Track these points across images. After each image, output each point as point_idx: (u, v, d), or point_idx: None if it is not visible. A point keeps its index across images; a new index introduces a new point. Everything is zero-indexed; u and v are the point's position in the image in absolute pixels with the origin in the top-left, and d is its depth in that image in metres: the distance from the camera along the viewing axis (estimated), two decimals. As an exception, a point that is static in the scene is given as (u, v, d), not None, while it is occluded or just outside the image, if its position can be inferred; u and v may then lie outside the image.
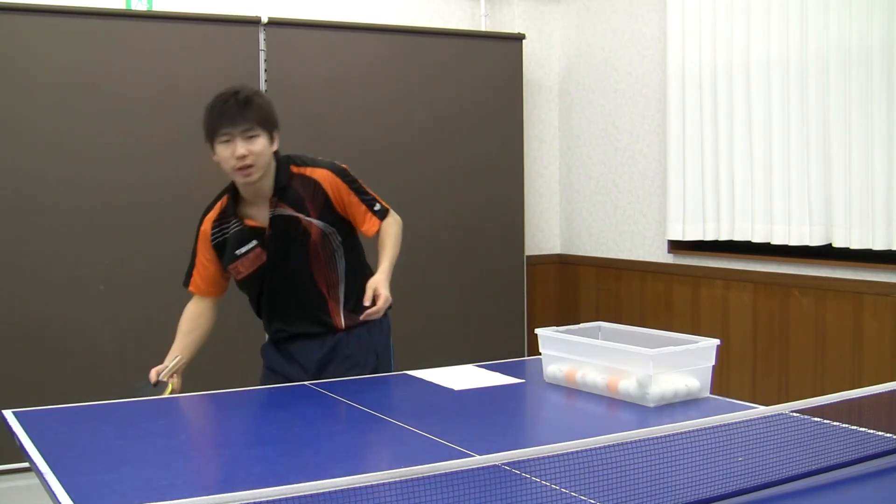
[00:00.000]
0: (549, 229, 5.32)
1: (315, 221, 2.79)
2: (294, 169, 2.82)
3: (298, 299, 2.84)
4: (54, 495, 1.71)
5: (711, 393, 2.44)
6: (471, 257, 4.82)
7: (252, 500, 1.35)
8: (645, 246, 4.80)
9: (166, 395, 2.69)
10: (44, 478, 1.80)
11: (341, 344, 2.85)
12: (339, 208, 2.82)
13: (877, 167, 3.65)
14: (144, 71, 4.09)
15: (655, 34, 4.68)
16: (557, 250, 5.34)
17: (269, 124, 2.76)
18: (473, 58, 4.83)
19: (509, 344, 4.91)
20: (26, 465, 1.97)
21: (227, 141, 2.70)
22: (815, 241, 3.90)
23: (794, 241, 3.96)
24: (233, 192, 2.85)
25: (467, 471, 1.60)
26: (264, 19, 4.31)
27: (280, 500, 1.37)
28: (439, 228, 4.71)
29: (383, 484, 1.46)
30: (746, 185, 4.16)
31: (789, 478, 1.74)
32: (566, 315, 5.20)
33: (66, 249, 3.97)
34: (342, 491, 1.44)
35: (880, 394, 1.99)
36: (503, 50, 4.92)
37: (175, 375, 2.79)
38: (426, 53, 4.70)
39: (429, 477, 1.50)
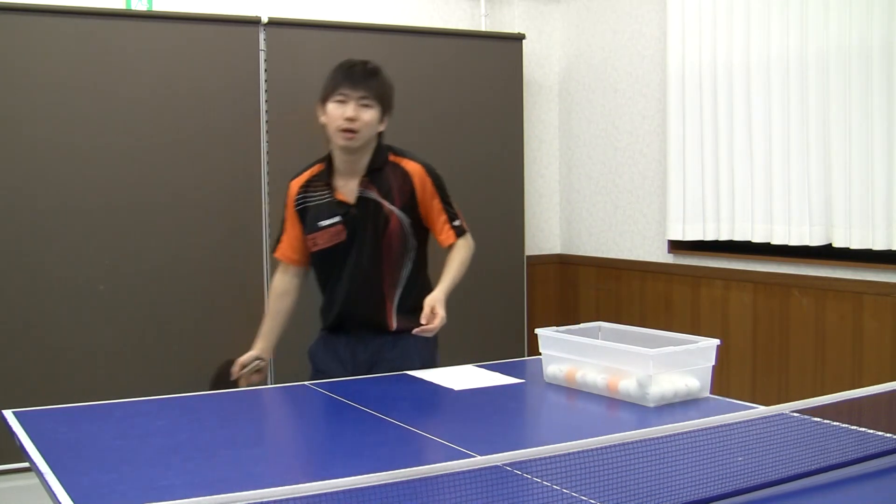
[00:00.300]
0: (549, 229, 5.32)
1: (397, 211, 2.82)
2: (391, 156, 2.87)
3: (361, 288, 2.85)
4: (54, 495, 1.71)
5: (711, 393, 2.44)
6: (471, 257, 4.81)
7: (252, 500, 1.35)
8: (645, 246, 4.80)
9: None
10: (44, 478, 1.80)
11: (386, 348, 2.86)
12: (420, 207, 2.85)
13: (877, 167, 3.65)
14: (144, 71, 4.09)
15: (655, 34, 4.68)
16: (557, 250, 5.34)
17: (384, 102, 2.83)
18: (473, 58, 4.82)
19: (509, 344, 4.91)
20: (26, 465, 1.97)
21: (342, 101, 2.76)
22: (815, 241, 3.90)
23: (794, 241, 3.96)
24: (328, 162, 2.88)
25: (467, 471, 1.60)
26: (264, 19, 4.31)
27: (280, 500, 1.37)
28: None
29: (383, 484, 1.46)
30: (746, 185, 4.16)
31: (789, 478, 1.74)
32: (566, 315, 5.20)
33: (66, 249, 3.97)
34: (342, 491, 1.44)
35: (880, 394, 1.99)
36: (503, 50, 4.91)
37: (255, 375, 2.88)
38: (426, 53, 4.70)
39: (429, 477, 1.50)
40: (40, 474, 1.83)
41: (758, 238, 4.13)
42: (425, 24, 4.92)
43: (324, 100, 2.81)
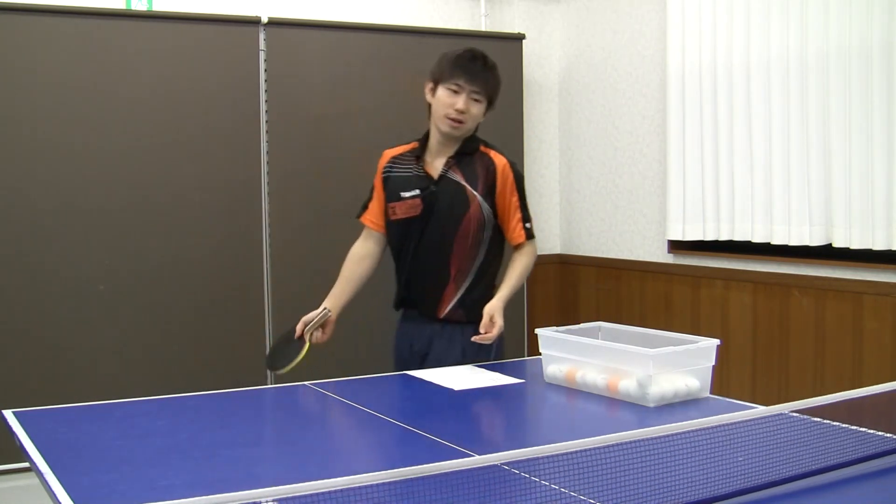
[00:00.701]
0: (549, 229, 5.32)
1: (479, 198, 2.89)
2: (482, 147, 2.95)
3: (427, 266, 2.93)
4: (54, 495, 1.71)
5: (711, 393, 2.44)
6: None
7: (252, 500, 1.35)
8: (645, 246, 4.80)
9: (300, 357, 2.82)
10: (44, 478, 1.80)
11: (434, 341, 2.94)
12: (498, 200, 2.91)
13: (877, 167, 3.65)
14: (144, 71, 4.09)
15: (655, 34, 4.68)
16: (557, 250, 5.34)
17: (492, 98, 2.93)
18: (473, 58, 4.82)
19: (509, 344, 4.90)
20: (26, 465, 1.97)
21: (456, 91, 2.87)
22: (815, 241, 3.90)
23: (794, 241, 3.96)
24: (424, 138, 3.00)
25: (467, 471, 1.60)
26: (264, 19, 4.31)
27: (280, 500, 1.37)
28: (439, 228, 4.71)
29: (383, 484, 1.46)
30: (746, 185, 4.16)
31: (789, 478, 1.74)
32: (566, 315, 5.20)
33: (66, 249, 3.97)
34: (342, 491, 1.44)
35: (880, 394, 1.99)
36: (503, 50, 4.90)
37: (320, 329, 2.94)
38: (426, 53, 4.68)
39: (429, 477, 1.50)
40: (40, 474, 1.83)
41: (758, 238, 4.13)
42: (425, 24, 4.92)
43: (436, 81, 2.93)
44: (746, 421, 1.97)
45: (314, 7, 4.68)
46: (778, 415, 2.01)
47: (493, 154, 2.95)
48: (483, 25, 5.10)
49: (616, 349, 2.45)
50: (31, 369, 3.91)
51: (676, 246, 4.58)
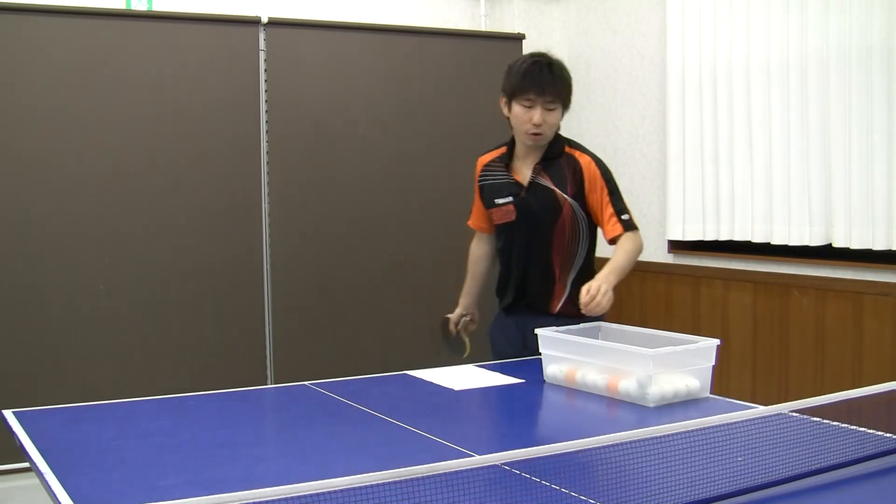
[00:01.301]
0: (549, 229, 5.32)
1: (570, 199, 2.92)
2: (566, 148, 2.98)
3: (532, 269, 3.00)
4: (54, 495, 1.70)
5: (711, 393, 2.44)
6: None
7: (252, 500, 1.35)
8: (645, 246, 4.78)
9: (467, 351, 3.13)
10: (44, 478, 1.80)
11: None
12: (589, 199, 2.94)
13: (877, 167, 3.65)
14: (144, 71, 4.09)
15: (655, 34, 4.68)
16: (557, 250, 5.34)
17: (567, 100, 2.95)
18: (473, 58, 4.82)
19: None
20: (26, 465, 1.97)
21: (529, 106, 2.89)
22: (815, 241, 3.90)
23: (794, 241, 3.96)
24: (511, 145, 3.05)
25: (467, 471, 1.60)
26: (264, 19, 4.31)
27: (280, 500, 1.37)
28: (439, 228, 4.71)
29: (383, 484, 1.46)
30: (746, 185, 4.16)
31: (789, 478, 1.74)
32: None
33: (66, 250, 3.97)
34: (342, 491, 1.44)
35: (880, 394, 1.99)
36: (503, 50, 4.90)
37: (469, 325, 3.22)
38: (426, 53, 4.70)
39: (429, 477, 1.50)
40: (40, 474, 1.83)
41: (758, 238, 4.13)
42: (425, 24, 4.92)
43: (509, 96, 2.95)
44: (746, 421, 1.96)
45: (314, 7, 4.68)
46: (778, 415, 2.01)
47: (577, 154, 2.97)
48: (483, 25, 5.10)
49: (616, 349, 2.45)
50: (31, 369, 3.91)
51: (676, 246, 4.58)
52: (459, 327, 3.24)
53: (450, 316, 3.26)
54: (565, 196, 2.93)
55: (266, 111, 4.31)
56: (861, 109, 3.68)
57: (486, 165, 3.13)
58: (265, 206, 4.31)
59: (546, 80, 2.88)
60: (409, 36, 4.68)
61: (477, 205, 3.20)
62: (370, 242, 4.53)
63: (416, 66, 4.67)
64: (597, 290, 2.67)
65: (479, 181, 3.15)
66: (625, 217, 2.93)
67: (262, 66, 4.31)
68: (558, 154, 2.97)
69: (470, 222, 3.28)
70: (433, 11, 5.01)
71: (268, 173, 4.32)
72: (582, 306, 2.69)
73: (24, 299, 3.92)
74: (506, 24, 5.17)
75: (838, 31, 3.74)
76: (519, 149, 3.02)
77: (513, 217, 3.00)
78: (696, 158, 4.39)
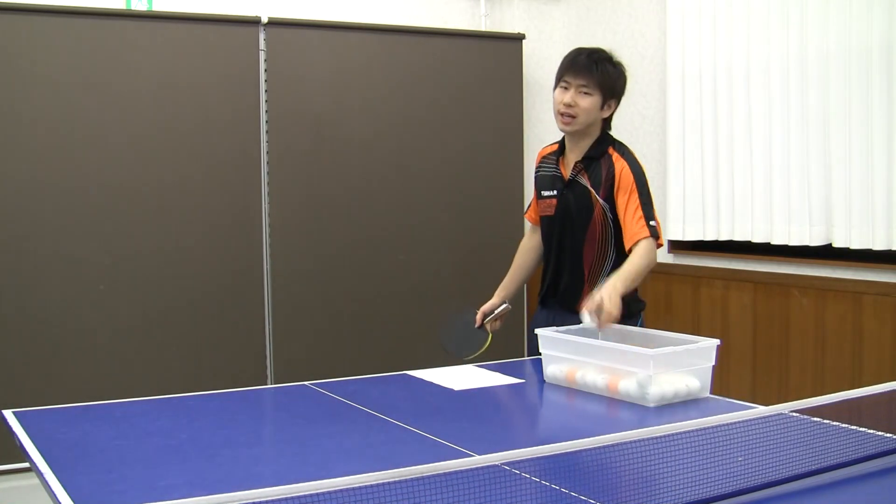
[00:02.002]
0: (549, 229, 5.32)
1: (601, 201, 2.90)
2: (610, 149, 2.95)
3: (564, 264, 3.00)
4: (54, 495, 1.70)
5: (711, 393, 2.44)
6: (471, 257, 4.81)
7: (252, 500, 1.35)
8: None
9: (484, 348, 2.99)
10: (44, 478, 1.80)
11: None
12: (617, 201, 2.89)
13: (877, 167, 3.65)
14: (144, 71, 4.09)
15: (655, 34, 4.68)
16: (557, 250, 5.33)
17: (607, 90, 2.91)
18: (473, 58, 4.82)
19: (509, 344, 4.91)
20: (26, 465, 1.97)
21: (565, 88, 2.90)
22: (815, 241, 3.90)
23: (794, 241, 3.96)
24: (563, 140, 3.05)
25: (467, 471, 1.60)
26: (264, 19, 4.31)
27: (280, 500, 1.37)
28: (439, 228, 4.71)
29: (383, 484, 1.46)
30: (746, 185, 4.16)
31: (789, 478, 1.74)
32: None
33: (67, 249, 3.97)
34: (342, 491, 1.44)
35: (880, 394, 1.99)
36: (503, 50, 4.91)
37: (498, 321, 3.09)
38: (426, 53, 4.70)
39: (429, 477, 1.50)
40: (40, 474, 1.83)
41: (758, 238, 4.13)
42: (425, 24, 4.92)
43: (554, 87, 2.96)
44: (746, 421, 1.97)
45: (314, 7, 4.68)
46: (778, 415, 2.01)
47: (615, 156, 2.93)
48: (483, 25, 5.10)
49: (616, 349, 2.45)
50: (31, 369, 3.91)
51: (676, 246, 4.58)
52: (488, 319, 3.10)
53: (480, 309, 3.14)
54: (598, 197, 2.91)
55: (266, 111, 4.32)
56: (861, 109, 3.68)
57: (544, 158, 3.13)
58: (265, 206, 4.32)
59: (581, 62, 2.88)
60: (409, 36, 4.68)
61: (534, 196, 3.18)
62: (370, 242, 4.54)
63: (416, 66, 4.67)
64: (600, 302, 2.55)
65: (536, 171, 3.15)
66: (651, 224, 2.86)
67: (262, 66, 4.31)
68: (600, 154, 2.93)
69: (526, 214, 3.31)
70: (433, 11, 5.01)
71: (268, 173, 4.32)
72: (591, 322, 2.58)
73: (25, 299, 3.92)
74: (506, 24, 5.17)
75: (838, 31, 3.74)
76: (568, 143, 3.02)
77: (553, 211, 3.01)
78: (696, 158, 4.39)
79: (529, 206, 3.27)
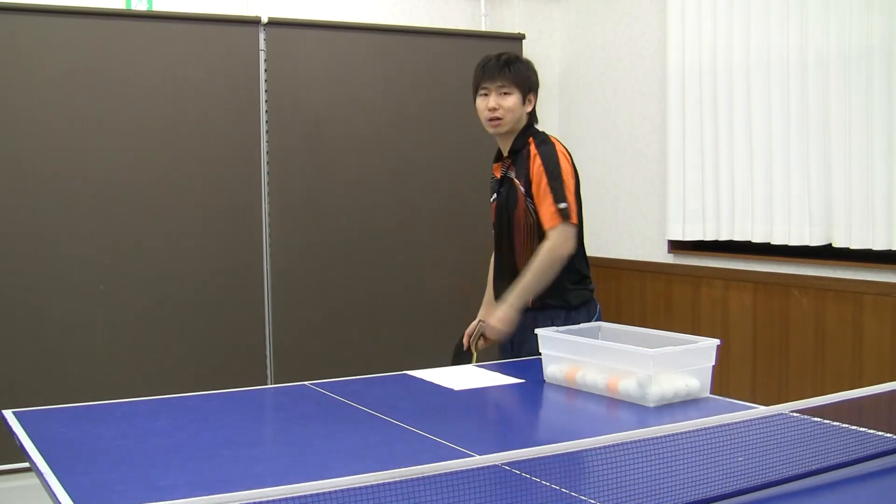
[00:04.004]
0: (549, 229, 5.32)
1: (521, 189, 2.94)
2: (530, 139, 2.99)
3: (502, 265, 3.06)
4: (54, 495, 1.70)
5: (711, 393, 2.44)
6: (471, 257, 4.80)
7: (252, 500, 1.35)
8: (645, 246, 4.79)
9: (473, 363, 2.99)
10: (44, 478, 1.80)
11: (528, 326, 2.87)
12: (533, 186, 2.92)
13: (877, 167, 3.65)
14: (144, 71, 4.09)
15: (655, 34, 4.68)
16: (557, 250, 5.33)
17: (523, 86, 2.98)
18: (473, 58, 4.78)
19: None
20: (26, 465, 1.97)
21: (485, 94, 3.01)
22: (815, 241, 3.90)
23: (794, 242, 3.96)
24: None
25: (467, 471, 1.60)
26: (264, 19, 4.31)
27: (280, 500, 1.37)
28: (439, 228, 4.71)
29: (383, 484, 1.46)
30: (746, 185, 4.16)
31: (789, 478, 1.74)
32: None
33: (67, 249, 3.97)
34: (342, 491, 1.43)
35: (880, 394, 1.99)
36: (503, 50, 4.90)
37: (482, 338, 3.07)
38: (426, 53, 4.70)
39: (429, 477, 1.50)
40: (40, 474, 1.83)
41: (758, 238, 4.13)
42: (425, 24, 4.92)
43: (474, 99, 3.05)
44: (746, 421, 1.96)
45: (314, 7, 4.68)
46: (778, 415, 2.00)
47: (532, 146, 2.96)
48: (483, 25, 5.10)
49: (616, 349, 2.45)
50: (31, 369, 3.91)
51: (676, 246, 4.58)
52: (472, 338, 3.07)
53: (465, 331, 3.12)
54: (521, 188, 2.95)
55: (266, 111, 4.32)
56: (861, 109, 3.68)
57: (493, 167, 3.15)
58: (265, 206, 4.32)
59: (493, 66, 2.99)
60: (409, 36, 4.68)
61: None
62: (370, 242, 4.54)
63: (416, 66, 4.67)
64: (482, 338, 2.89)
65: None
66: (562, 205, 2.84)
67: (262, 66, 4.31)
68: (523, 146, 2.98)
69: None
70: (433, 11, 5.01)
71: (268, 173, 4.32)
72: (473, 348, 2.86)
73: (25, 299, 3.92)
74: (506, 24, 5.17)
75: (838, 31, 3.74)
76: (501, 145, 3.06)
77: (493, 214, 3.07)
78: (696, 158, 4.39)
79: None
